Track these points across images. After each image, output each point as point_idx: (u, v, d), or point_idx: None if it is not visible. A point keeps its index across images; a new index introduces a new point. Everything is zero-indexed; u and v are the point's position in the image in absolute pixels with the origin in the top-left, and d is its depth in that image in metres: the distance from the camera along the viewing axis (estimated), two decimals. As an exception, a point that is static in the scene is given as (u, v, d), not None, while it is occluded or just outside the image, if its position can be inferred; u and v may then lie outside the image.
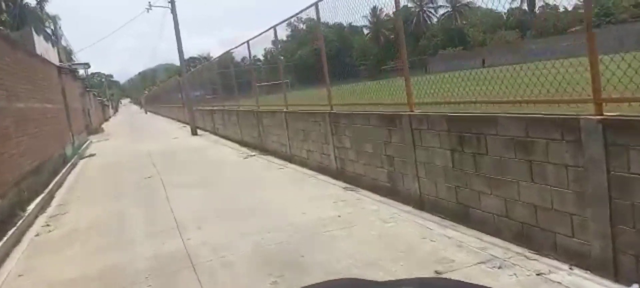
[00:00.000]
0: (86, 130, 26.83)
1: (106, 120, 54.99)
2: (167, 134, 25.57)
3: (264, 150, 13.17)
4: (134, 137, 26.05)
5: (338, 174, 8.60)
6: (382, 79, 8.89)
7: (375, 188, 7.30)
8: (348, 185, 7.94)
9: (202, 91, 24.43)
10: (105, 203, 9.19)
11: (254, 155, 13.04)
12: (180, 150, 16.85)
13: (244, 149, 14.60)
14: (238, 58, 16.18)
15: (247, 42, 13.21)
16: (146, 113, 66.58)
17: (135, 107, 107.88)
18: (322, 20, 8.61)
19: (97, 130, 33.40)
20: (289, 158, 11.21)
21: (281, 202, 7.38)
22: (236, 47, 14.48)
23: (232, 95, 16.85)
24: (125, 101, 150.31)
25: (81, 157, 17.91)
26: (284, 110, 11.20)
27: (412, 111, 6.19)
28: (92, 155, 18.68)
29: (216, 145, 17.10)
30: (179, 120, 34.74)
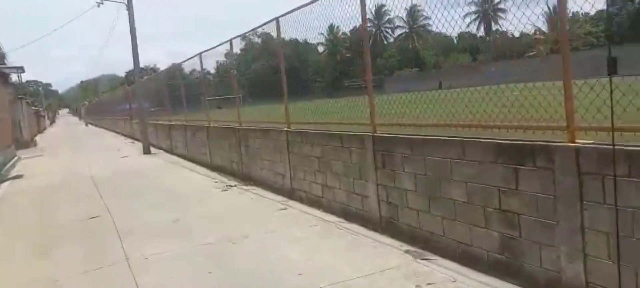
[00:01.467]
0: (15, 143, 22.74)
1: (41, 132, 49.89)
2: (113, 150, 21.91)
3: (247, 179, 10.30)
4: (73, 153, 22.24)
5: (383, 226, 5.93)
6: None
7: (466, 259, 4.68)
8: (410, 247, 5.28)
9: (156, 102, 21.05)
10: (27, 268, 6.05)
11: (235, 186, 10.12)
12: (133, 173, 13.55)
13: (217, 176, 11.64)
14: (205, 66, 13.34)
15: (230, 40, 10.42)
16: (86, 125, 61.29)
17: (74, 118, 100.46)
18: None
19: (29, 143, 29.02)
20: (289, 193, 8.43)
21: (324, 283, 4.59)
22: (214, 48, 11.60)
23: (198, 108, 13.91)
24: (63, 111, 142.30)
25: (3, 180, 14.25)
26: (285, 128, 8.43)
27: (573, 142, 3.66)
28: (18, 176, 15.01)
29: (179, 169, 13.92)
30: (124, 135, 31.02)
